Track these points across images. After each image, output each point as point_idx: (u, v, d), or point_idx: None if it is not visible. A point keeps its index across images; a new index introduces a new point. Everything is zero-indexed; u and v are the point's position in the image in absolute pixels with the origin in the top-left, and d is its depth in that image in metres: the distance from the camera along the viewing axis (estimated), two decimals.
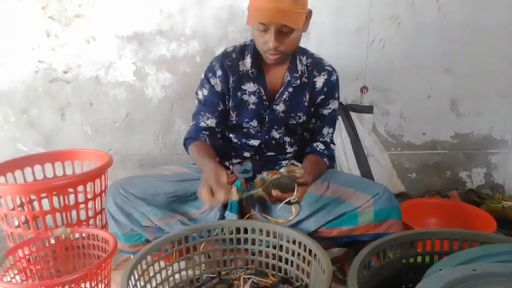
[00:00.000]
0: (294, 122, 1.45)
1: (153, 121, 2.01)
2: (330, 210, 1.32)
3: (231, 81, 1.41)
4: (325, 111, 1.47)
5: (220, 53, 1.46)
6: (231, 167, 1.50)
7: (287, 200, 1.16)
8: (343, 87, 1.93)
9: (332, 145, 1.51)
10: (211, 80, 1.42)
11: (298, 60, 1.41)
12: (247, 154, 1.50)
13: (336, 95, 1.47)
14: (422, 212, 1.76)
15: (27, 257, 1.36)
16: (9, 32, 1.87)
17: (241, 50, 1.42)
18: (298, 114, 1.44)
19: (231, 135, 1.50)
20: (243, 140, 1.48)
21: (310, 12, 1.28)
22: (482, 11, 1.89)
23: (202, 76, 1.45)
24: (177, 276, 1.27)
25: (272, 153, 1.50)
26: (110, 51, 1.91)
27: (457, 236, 1.09)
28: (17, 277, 1.33)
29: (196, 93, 1.47)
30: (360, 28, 1.90)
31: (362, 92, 1.98)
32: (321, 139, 1.49)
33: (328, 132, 1.50)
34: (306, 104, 1.44)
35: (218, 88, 1.42)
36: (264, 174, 1.20)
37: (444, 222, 1.74)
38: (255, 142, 1.47)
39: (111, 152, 1.94)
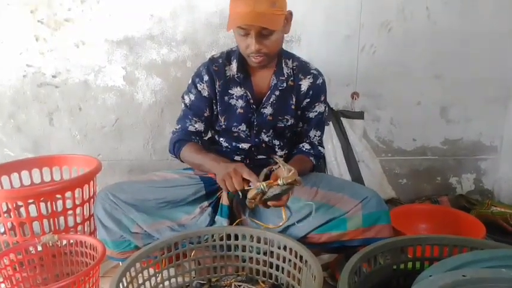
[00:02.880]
0: (282, 125, 1.46)
1: (143, 126, 2.00)
2: (319, 215, 1.31)
3: (217, 86, 1.43)
4: (311, 114, 1.48)
5: (207, 59, 1.48)
6: None
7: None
8: (334, 93, 1.96)
9: (320, 147, 1.52)
10: (198, 85, 1.45)
11: (284, 64, 1.43)
12: (238, 158, 1.50)
13: (322, 98, 1.49)
14: (412, 217, 1.77)
15: (14, 264, 1.34)
16: None
17: (228, 56, 1.45)
18: (286, 117, 1.46)
19: (221, 139, 1.52)
20: (233, 144, 1.49)
21: (290, 14, 1.32)
22: (471, 18, 1.91)
23: (190, 81, 1.48)
24: (166, 283, 1.25)
25: (263, 157, 1.50)
26: (99, 55, 1.90)
27: (447, 241, 1.10)
28: (2, 285, 1.31)
29: (183, 98, 1.49)
30: (350, 34, 1.92)
31: (353, 98, 1.99)
32: (307, 141, 1.51)
33: (315, 135, 1.51)
34: (292, 107, 1.46)
35: (205, 93, 1.44)
36: (263, 184, 1.13)
37: (434, 228, 1.74)
38: (245, 145, 1.48)
39: (100, 157, 1.92)
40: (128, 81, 1.94)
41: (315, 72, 1.46)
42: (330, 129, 1.94)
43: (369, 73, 1.96)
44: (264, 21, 1.21)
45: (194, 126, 1.46)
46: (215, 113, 1.47)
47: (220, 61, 1.44)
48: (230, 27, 1.27)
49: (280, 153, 1.52)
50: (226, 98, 1.44)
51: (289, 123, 1.47)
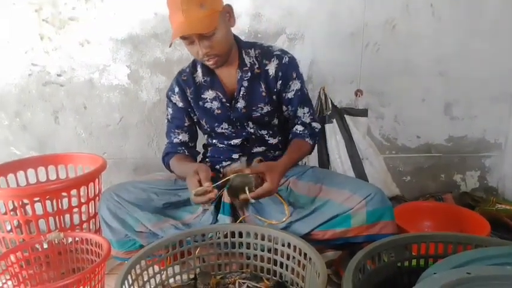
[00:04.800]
0: (258, 114, 1.47)
1: (147, 124, 2.01)
2: (323, 212, 1.31)
3: (188, 94, 1.49)
4: (290, 95, 1.47)
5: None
6: (222, 169, 1.51)
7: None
8: (338, 91, 1.96)
9: (314, 123, 1.50)
10: (172, 98, 1.52)
11: (245, 54, 1.44)
12: (235, 156, 1.52)
13: (294, 75, 1.46)
14: (417, 215, 1.76)
15: (20, 262, 1.35)
16: (2, 35, 1.86)
17: (193, 64, 1.51)
18: (259, 105, 1.46)
19: (214, 141, 1.56)
20: (226, 142, 1.52)
21: (229, 7, 1.33)
22: (476, 15, 1.90)
23: (166, 98, 1.55)
24: (171, 280, 1.26)
25: (259, 149, 1.52)
26: (104, 54, 1.90)
27: (451, 239, 1.10)
28: (9, 282, 1.32)
29: (167, 115, 1.56)
30: (354, 32, 1.91)
31: (357, 96, 1.99)
32: (299, 122, 1.50)
33: (304, 113, 1.49)
34: (263, 94, 1.46)
35: (179, 104, 1.51)
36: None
37: (439, 225, 1.74)
38: (236, 141, 1.51)
39: (105, 155, 1.93)
40: (132, 80, 1.95)
41: (278, 53, 1.45)
42: (333, 127, 1.94)
43: (373, 70, 1.96)
44: (197, 27, 1.23)
45: (178, 138, 1.53)
46: (195, 120, 1.54)
47: (188, 70, 1.50)
48: (173, 39, 1.27)
49: (272, 141, 1.53)
50: (200, 103, 1.49)
51: (264, 111, 1.47)
